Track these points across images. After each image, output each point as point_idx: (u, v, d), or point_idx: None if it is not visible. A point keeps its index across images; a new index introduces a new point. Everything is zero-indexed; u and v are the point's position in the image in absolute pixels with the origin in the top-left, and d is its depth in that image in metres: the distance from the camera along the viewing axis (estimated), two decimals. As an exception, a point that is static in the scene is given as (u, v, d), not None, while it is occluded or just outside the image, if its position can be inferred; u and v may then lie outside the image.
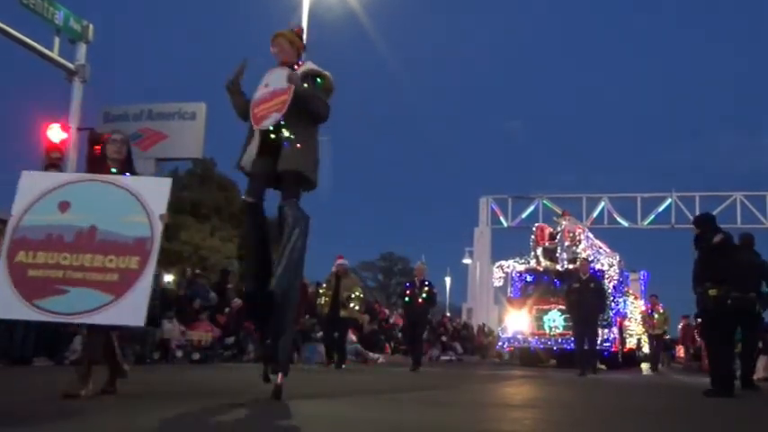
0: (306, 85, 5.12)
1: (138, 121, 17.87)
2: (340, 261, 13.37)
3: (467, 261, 37.81)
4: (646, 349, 21.76)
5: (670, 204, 30.73)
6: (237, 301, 14.14)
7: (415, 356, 13.36)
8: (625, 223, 31.25)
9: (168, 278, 18.80)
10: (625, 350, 19.32)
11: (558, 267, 18.58)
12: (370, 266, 60.23)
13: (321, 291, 13.30)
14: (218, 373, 10.34)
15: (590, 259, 17.57)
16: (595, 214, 31.14)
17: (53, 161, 13.59)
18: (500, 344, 20.30)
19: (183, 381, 8.08)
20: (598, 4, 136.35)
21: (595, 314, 13.77)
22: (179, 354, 13.80)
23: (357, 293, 12.95)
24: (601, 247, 20.19)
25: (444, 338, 28.19)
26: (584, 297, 13.48)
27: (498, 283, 20.57)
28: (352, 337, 16.34)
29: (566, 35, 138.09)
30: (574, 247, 18.62)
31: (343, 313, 12.66)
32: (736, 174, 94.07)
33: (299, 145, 5.03)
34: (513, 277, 19.55)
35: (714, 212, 28.63)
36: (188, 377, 8.83)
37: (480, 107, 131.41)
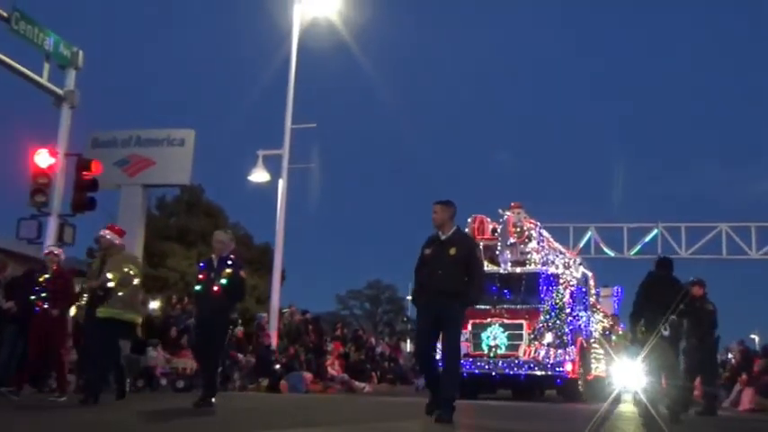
0: None
1: (127, 147, 17.82)
2: (102, 232, 8.66)
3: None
4: None
5: (656, 234, 30.89)
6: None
7: (206, 380, 8.32)
8: (611, 253, 31.37)
9: (154, 305, 18.75)
10: (589, 377, 15.47)
11: (501, 270, 14.89)
12: (357, 295, 60.05)
13: (83, 284, 8.95)
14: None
15: (538, 256, 15.00)
16: (582, 244, 31.28)
17: (40, 186, 13.57)
18: None
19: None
20: (585, 34, 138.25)
21: (454, 303, 7.12)
22: (163, 382, 13.71)
23: (128, 269, 8.14)
24: (561, 252, 16.97)
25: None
26: (438, 273, 7.17)
27: None
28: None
29: (551, 66, 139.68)
30: (521, 245, 15.06)
31: (100, 311, 8.00)
32: (722, 206, 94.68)
33: None
34: None
35: (699, 243, 29.20)
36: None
37: (467, 136, 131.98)
